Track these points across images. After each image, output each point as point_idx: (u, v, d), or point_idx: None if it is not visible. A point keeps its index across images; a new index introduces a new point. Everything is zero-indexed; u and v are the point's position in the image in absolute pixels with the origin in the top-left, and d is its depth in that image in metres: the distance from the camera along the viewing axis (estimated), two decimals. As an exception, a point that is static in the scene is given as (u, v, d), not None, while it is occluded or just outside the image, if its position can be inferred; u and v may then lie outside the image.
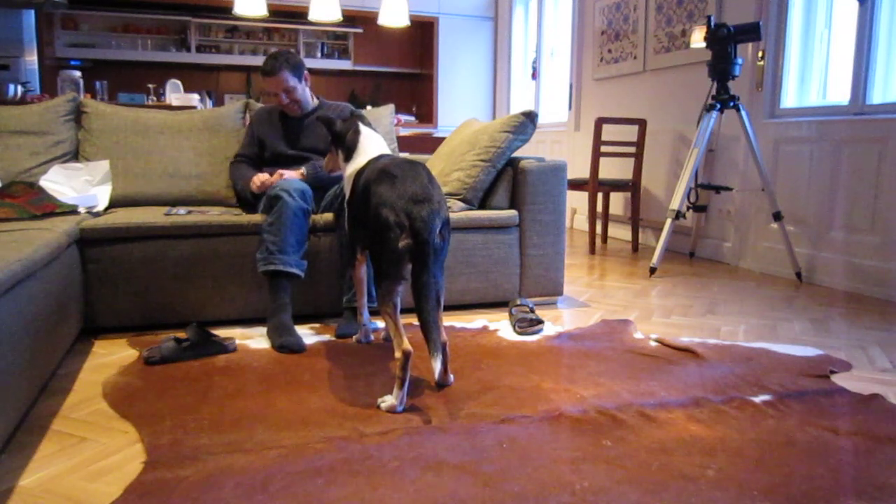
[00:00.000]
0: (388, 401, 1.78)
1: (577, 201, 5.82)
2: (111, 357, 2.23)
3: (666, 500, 1.34)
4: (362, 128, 2.23)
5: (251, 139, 2.93)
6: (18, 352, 1.59)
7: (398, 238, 1.77)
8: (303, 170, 2.70)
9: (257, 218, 2.59)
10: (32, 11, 5.83)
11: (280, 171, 2.69)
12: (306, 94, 2.84)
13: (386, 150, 2.20)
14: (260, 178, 2.67)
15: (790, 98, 3.81)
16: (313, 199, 2.57)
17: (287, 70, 2.71)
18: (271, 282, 2.43)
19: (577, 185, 4.53)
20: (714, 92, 3.63)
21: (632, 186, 4.53)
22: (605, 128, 4.44)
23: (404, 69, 7.67)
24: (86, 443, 1.59)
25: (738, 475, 1.44)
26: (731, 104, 3.56)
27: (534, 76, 6.77)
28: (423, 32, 7.42)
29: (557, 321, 2.73)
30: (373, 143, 2.19)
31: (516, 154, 3.04)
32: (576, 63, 5.83)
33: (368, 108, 6.61)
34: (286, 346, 2.27)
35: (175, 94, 5.93)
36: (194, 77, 7.07)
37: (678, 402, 1.84)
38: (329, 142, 2.35)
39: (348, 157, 2.21)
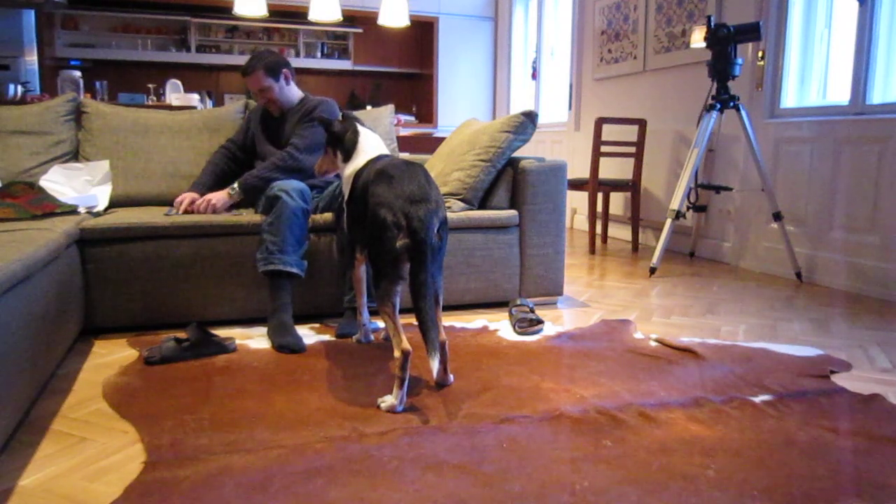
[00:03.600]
0: (387, 401, 1.78)
1: (577, 201, 5.83)
2: (111, 357, 2.23)
3: (666, 500, 1.34)
4: (360, 128, 2.23)
5: (244, 130, 2.99)
6: (18, 352, 1.59)
7: (395, 238, 1.78)
8: (229, 189, 2.71)
9: (257, 218, 2.59)
10: (32, 11, 5.83)
11: (208, 196, 2.70)
12: (285, 93, 2.84)
13: (384, 151, 2.20)
14: (188, 199, 2.70)
15: (790, 98, 3.81)
16: (311, 199, 2.58)
17: (262, 70, 2.74)
18: (271, 282, 2.43)
19: (577, 185, 4.53)
20: (714, 92, 3.63)
21: (632, 186, 4.53)
22: (605, 128, 4.44)
23: (404, 69, 7.67)
24: (86, 443, 1.59)
25: (738, 475, 1.44)
26: (731, 104, 3.56)
27: (534, 76, 6.77)
28: (423, 32, 7.42)
29: (557, 321, 2.73)
30: (371, 144, 2.19)
31: (516, 154, 3.04)
32: (576, 63, 5.83)
33: (368, 108, 6.61)
34: (286, 346, 2.27)
35: (175, 94, 5.92)
36: (194, 77, 7.07)
37: (678, 402, 1.84)
38: (324, 142, 2.34)
39: (347, 157, 2.21)
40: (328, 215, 2.67)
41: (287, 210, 2.41)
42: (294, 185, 2.48)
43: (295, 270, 2.41)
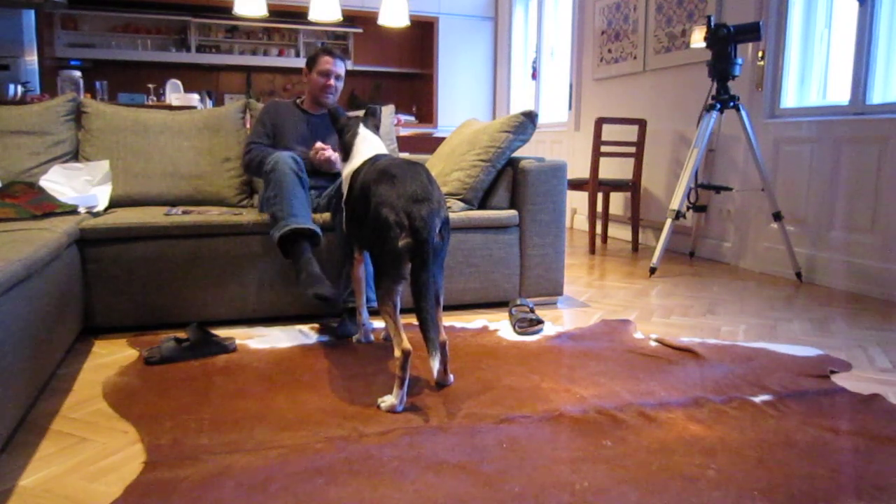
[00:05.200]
0: (387, 400, 1.78)
1: (577, 201, 5.82)
2: (111, 357, 2.23)
3: (666, 500, 1.34)
4: (361, 129, 2.23)
5: (264, 128, 2.90)
6: (18, 352, 1.59)
7: (398, 237, 1.77)
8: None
9: (257, 218, 2.59)
10: (32, 11, 5.82)
11: (330, 154, 2.73)
12: (339, 93, 2.98)
13: (382, 151, 2.19)
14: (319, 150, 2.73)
15: (790, 98, 3.81)
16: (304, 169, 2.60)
17: (345, 64, 2.96)
18: (291, 248, 2.37)
19: (577, 185, 4.53)
20: (714, 92, 3.63)
21: (632, 186, 4.53)
22: (605, 128, 4.44)
23: (404, 69, 7.67)
24: (86, 443, 1.59)
25: (738, 475, 1.44)
26: (731, 104, 3.56)
27: (534, 76, 6.76)
28: (423, 32, 7.42)
29: (557, 321, 2.73)
30: (368, 146, 2.19)
31: (516, 154, 3.04)
32: (576, 63, 5.82)
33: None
34: (321, 295, 2.19)
35: (175, 94, 5.92)
36: (194, 77, 7.07)
37: (678, 402, 1.84)
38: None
39: (345, 157, 2.22)
40: (327, 215, 2.67)
41: (285, 177, 2.43)
42: (286, 155, 2.50)
43: (311, 226, 2.38)
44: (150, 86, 6.68)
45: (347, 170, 2.17)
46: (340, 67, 2.91)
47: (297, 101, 2.97)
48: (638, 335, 2.52)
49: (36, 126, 2.98)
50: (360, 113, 2.39)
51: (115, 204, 2.94)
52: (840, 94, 3.57)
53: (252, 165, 2.82)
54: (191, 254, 2.53)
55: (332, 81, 2.88)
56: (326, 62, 2.86)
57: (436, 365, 1.74)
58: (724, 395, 1.90)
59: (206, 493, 1.35)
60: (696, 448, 1.57)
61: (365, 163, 2.10)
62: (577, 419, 1.72)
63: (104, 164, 2.92)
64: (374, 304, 2.39)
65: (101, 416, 1.74)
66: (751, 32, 3.44)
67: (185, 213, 2.67)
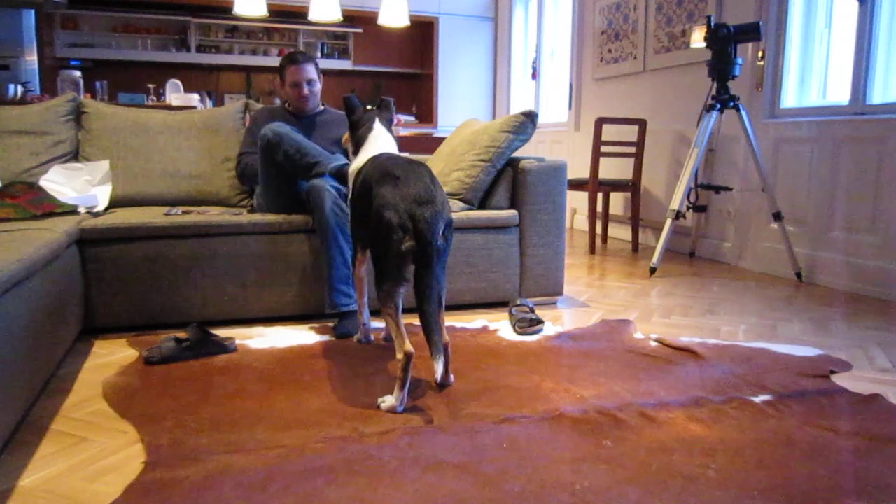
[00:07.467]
0: (388, 401, 1.78)
1: (577, 201, 5.82)
2: (111, 357, 2.23)
3: (666, 500, 1.34)
4: (375, 125, 2.18)
5: (255, 138, 2.87)
6: (18, 352, 1.59)
7: (402, 240, 1.75)
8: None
9: (257, 218, 2.59)
10: (32, 11, 5.83)
11: None
12: (319, 94, 2.97)
13: (392, 150, 2.14)
14: None
15: (790, 98, 3.81)
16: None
17: (313, 64, 2.91)
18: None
19: (577, 185, 4.53)
20: (714, 92, 3.63)
21: (632, 186, 4.53)
22: (605, 128, 4.44)
23: (404, 69, 7.67)
24: (86, 443, 1.59)
25: (738, 475, 1.44)
26: (731, 104, 3.56)
27: (534, 76, 6.77)
28: (423, 32, 7.42)
29: (557, 321, 2.73)
30: (383, 142, 2.14)
31: (516, 154, 3.04)
32: (576, 63, 5.83)
33: (368, 108, 6.59)
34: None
35: (175, 94, 5.92)
36: (194, 77, 7.07)
37: (678, 402, 1.84)
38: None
39: (356, 151, 2.19)
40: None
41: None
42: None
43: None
44: (150, 86, 6.68)
45: (354, 166, 2.12)
46: (310, 71, 2.86)
47: (286, 104, 2.99)
48: (638, 335, 2.52)
49: (36, 126, 2.98)
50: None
51: (115, 204, 2.94)
52: (840, 94, 3.57)
53: (247, 174, 2.92)
54: (191, 254, 2.53)
55: (305, 91, 2.86)
56: (293, 73, 2.84)
57: (439, 368, 1.73)
58: (724, 395, 1.90)
59: (206, 493, 1.35)
60: (696, 448, 1.57)
61: (368, 160, 2.04)
62: (577, 419, 1.72)
63: (104, 164, 2.92)
64: (355, 307, 2.47)
65: (101, 416, 1.74)
66: (751, 32, 3.44)
67: (184, 213, 2.67)
